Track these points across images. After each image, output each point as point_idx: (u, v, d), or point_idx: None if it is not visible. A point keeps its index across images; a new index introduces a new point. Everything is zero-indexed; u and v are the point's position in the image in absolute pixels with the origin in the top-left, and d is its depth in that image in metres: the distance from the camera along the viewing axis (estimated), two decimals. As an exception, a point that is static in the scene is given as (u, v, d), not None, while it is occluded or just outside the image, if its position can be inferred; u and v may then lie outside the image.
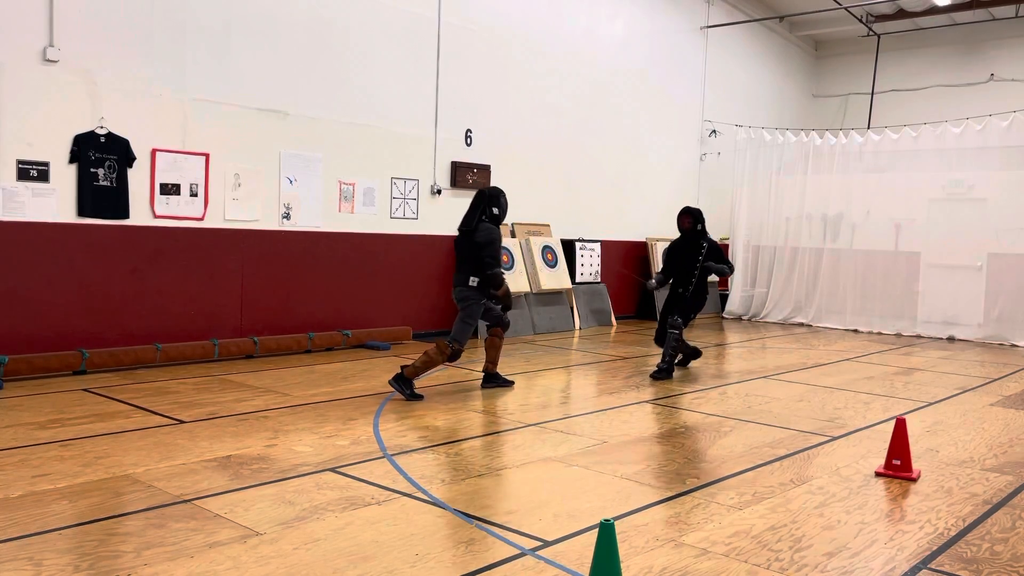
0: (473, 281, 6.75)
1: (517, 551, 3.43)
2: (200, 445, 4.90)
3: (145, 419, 5.50)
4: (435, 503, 4.00)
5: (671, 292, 8.33)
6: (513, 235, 11.19)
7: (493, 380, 7.15)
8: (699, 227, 8.27)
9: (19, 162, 6.80)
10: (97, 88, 7.21)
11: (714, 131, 14.87)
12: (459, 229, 6.91)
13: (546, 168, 11.84)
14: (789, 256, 13.70)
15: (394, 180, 9.74)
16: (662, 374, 7.90)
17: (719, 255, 8.29)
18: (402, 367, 6.63)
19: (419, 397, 6.56)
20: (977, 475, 4.84)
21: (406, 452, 4.91)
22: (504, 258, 10.56)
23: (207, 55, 7.92)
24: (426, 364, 6.60)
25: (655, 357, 9.18)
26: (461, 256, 6.88)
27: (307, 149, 8.84)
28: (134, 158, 7.46)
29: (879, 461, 5.00)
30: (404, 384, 6.54)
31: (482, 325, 7.55)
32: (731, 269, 8.40)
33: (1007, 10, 15.54)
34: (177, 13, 7.68)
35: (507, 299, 7.01)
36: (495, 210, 6.85)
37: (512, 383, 7.25)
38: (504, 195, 6.98)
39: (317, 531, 3.58)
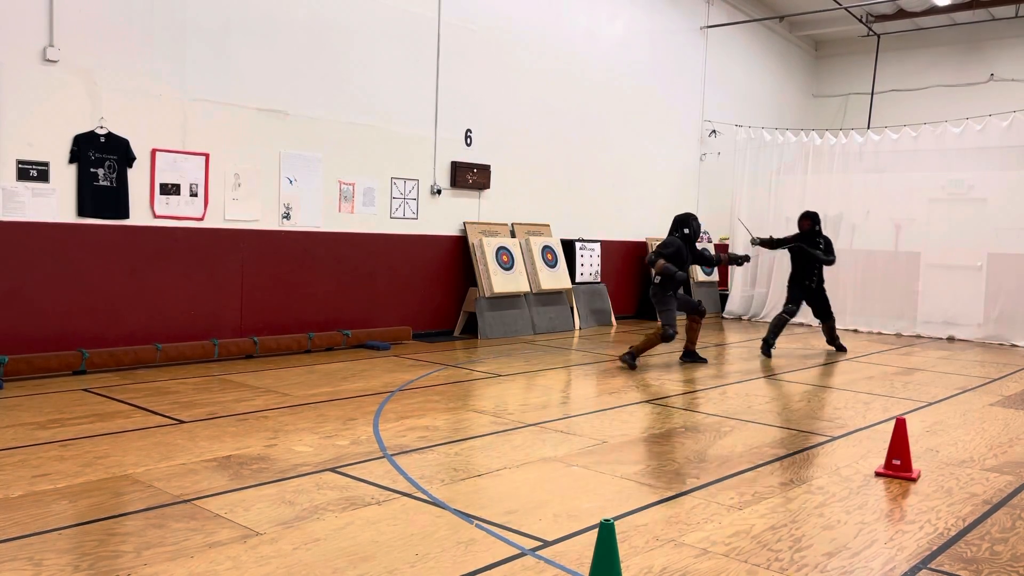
0: (656, 279, 8.54)
1: (517, 551, 3.43)
2: (200, 445, 4.90)
3: (145, 419, 5.51)
4: (435, 503, 4.00)
5: (798, 283, 9.95)
6: (513, 235, 11.19)
7: (690, 356, 8.93)
8: (816, 227, 9.96)
9: (19, 162, 6.80)
10: (97, 88, 7.21)
11: (714, 131, 14.87)
12: (665, 247, 8.69)
13: (546, 168, 11.84)
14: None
15: (394, 180, 9.74)
16: (841, 349, 10.26)
17: (831, 249, 10.04)
18: (631, 346, 8.55)
19: (634, 367, 8.39)
20: (977, 475, 4.84)
21: (406, 452, 4.91)
22: (504, 258, 10.58)
23: (207, 55, 7.92)
24: (646, 343, 8.49)
25: (656, 357, 9.19)
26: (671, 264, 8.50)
27: (307, 149, 8.84)
28: (134, 158, 7.46)
29: (879, 461, 5.00)
30: (631, 358, 8.41)
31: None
32: (833, 260, 10.01)
33: (1007, 10, 15.54)
34: (177, 13, 7.69)
35: (671, 280, 8.40)
36: (686, 230, 8.77)
37: (706, 360, 8.99)
38: (695, 219, 8.90)
39: (317, 531, 3.58)
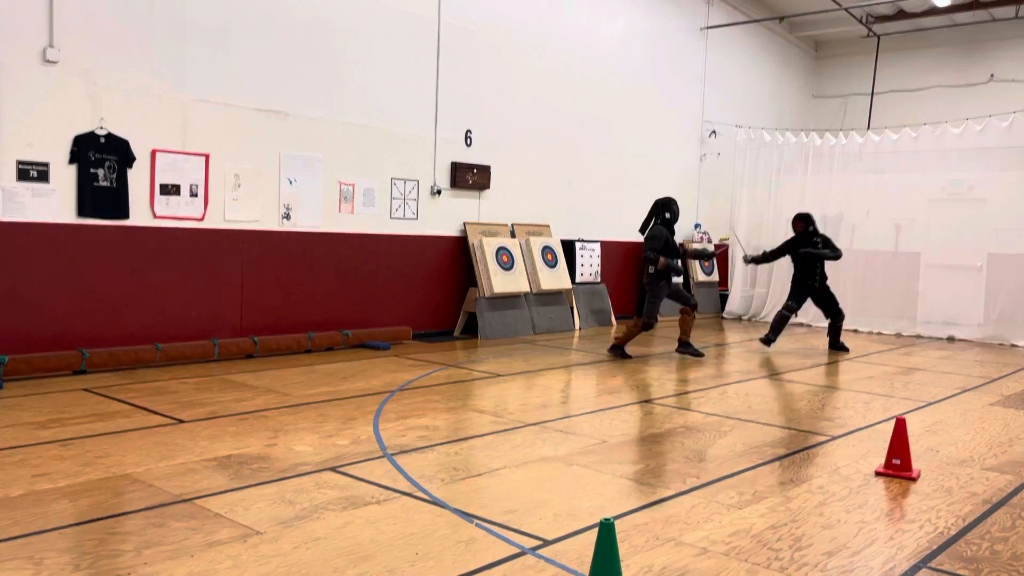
0: (651, 269, 8.93)
1: (517, 551, 3.43)
2: (200, 445, 4.90)
3: (145, 419, 5.51)
4: (435, 503, 4.00)
5: (801, 282, 10.06)
6: (513, 235, 11.19)
7: (685, 348, 9.19)
8: (811, 228, 10.02)
9: (19, 162, 6.80)
10: (97, 88, 7.22)
11: (714, 131, 14.87)
12: (640, 231, 9.29)
13: (546, 168, 11.84)
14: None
15: (394, 180, 9.74)
16: (843, 350, 10.22)
17: (830, 244, 10.16)
18: (615, 338, 9.12)
19: (628, 356, 8.89)
20: (977, 474, 4.84)
21: (406, 452, 4.91)
22: (504, 258, 10.58)
23: (207, 55, 7.92)
24: (627, 334, 8.96)
25: (655, 357, 9.20)
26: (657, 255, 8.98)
27: (307, 149, 8.84)
28: (134, 158, 7.46)
29: (879, 461, 5.00)
30: (618, 349, 8.92)
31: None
32: (839, 255, 10.07)
33: (1007, 11, 15.54)
34: (177, 13, 7.69)
35: (672, 271, 8.92)
36: (667, 215, 9.03)
37: (703, 354, 9.20)
38: (675, 203, 9.14)
39: (317, 530, 3.58)
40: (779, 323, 10.01)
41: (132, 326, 7.52)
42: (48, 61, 6.90)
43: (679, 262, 9.25)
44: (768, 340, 10.02)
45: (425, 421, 5.72)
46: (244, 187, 8.31)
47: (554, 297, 11.41)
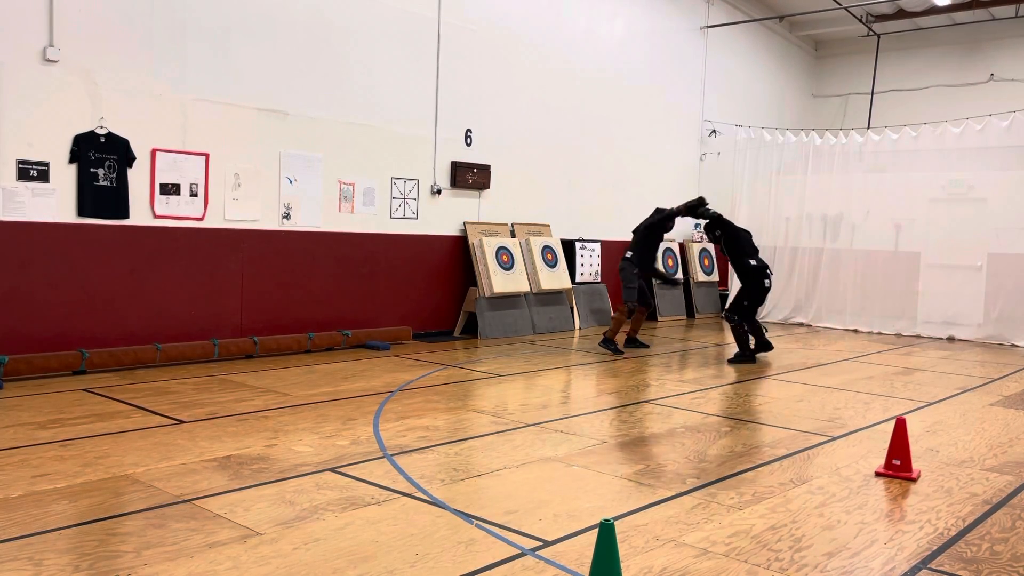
0: (628, 254, 9.43)
1: (517, 551, 3.43)
2: (200, 445, 4.90)
3: (145, 419, 5.51)
4: (435, 503, 4.00)
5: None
6: (513, 235, 11.19)
7: (633, 343, 9.80)
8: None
9: (19, 162, 6.80)
10: (97, 88, 7.21)
11: (714, 131, 14.86)
12: (633, 232, 9.72)
13: (546, 168, 11.84)
14: (789, 256, 13.69)
15: (394, 180, 9.74)
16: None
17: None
18: (604, 333, 9.46)
19: (621, 352, 9.20)
20: (977, 475, 4.84)
21: (406, 452, 4.91)
22: (504, 258, 10.58)
23: (207, 55, 7.92)
24: (616, 325, 9.30)
25: (654, 357, 9.20)
26: (632, 244, 9.54)
27: (307, 149, 8.83)
28: (134, 158, 7.46)
29: (879, 461, 5.00)
30: (608, 343, 9.21)
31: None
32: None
33: (1007, 10, 15.53)
34: (177, 13, 7.68)
35: (699, 206, 9.38)
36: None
37: (648, 345, 9.93)
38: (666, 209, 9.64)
39: (317, 531, 3.58)
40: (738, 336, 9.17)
41: (132, 326, 7.52)
42: (48, 61, 6.90)
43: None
44: (759, 345, 9.25)
45: (425, 421, 5.72)
46: (244, 187, 8.31)
47: (554, 297, 11.41)
